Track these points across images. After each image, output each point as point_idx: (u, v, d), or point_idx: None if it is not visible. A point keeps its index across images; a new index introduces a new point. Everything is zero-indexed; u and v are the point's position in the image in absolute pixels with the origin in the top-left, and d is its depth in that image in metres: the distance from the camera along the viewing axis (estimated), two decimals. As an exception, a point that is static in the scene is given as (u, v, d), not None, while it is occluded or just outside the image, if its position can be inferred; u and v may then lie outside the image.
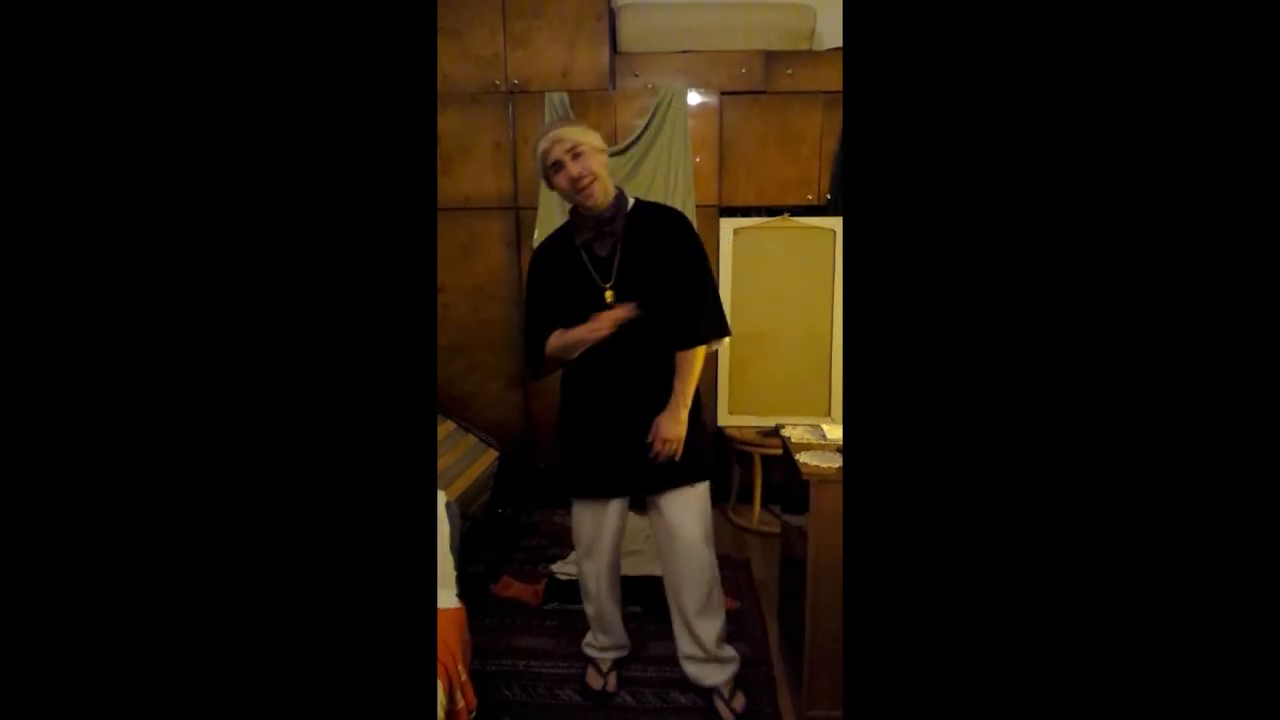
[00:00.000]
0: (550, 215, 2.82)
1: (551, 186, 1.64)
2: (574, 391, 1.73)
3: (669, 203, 2.68)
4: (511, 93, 2.81)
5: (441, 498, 1.74)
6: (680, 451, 1.65)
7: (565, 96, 2.76)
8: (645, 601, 2.29)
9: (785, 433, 1.96)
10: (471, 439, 2.81)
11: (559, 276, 1.69)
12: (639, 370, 1.66)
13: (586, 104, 2.78)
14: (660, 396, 1.66)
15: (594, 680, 1.93)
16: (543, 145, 1.59)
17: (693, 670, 1.81)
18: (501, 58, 2.79)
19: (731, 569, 2.53)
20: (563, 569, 2.51)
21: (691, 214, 2.64)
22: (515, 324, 2.96)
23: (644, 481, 1.70)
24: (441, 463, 2.49)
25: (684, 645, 1.80)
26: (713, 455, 1.83)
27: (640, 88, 2.82)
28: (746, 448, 2.79)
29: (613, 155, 2.77)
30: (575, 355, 1.66)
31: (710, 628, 1.77)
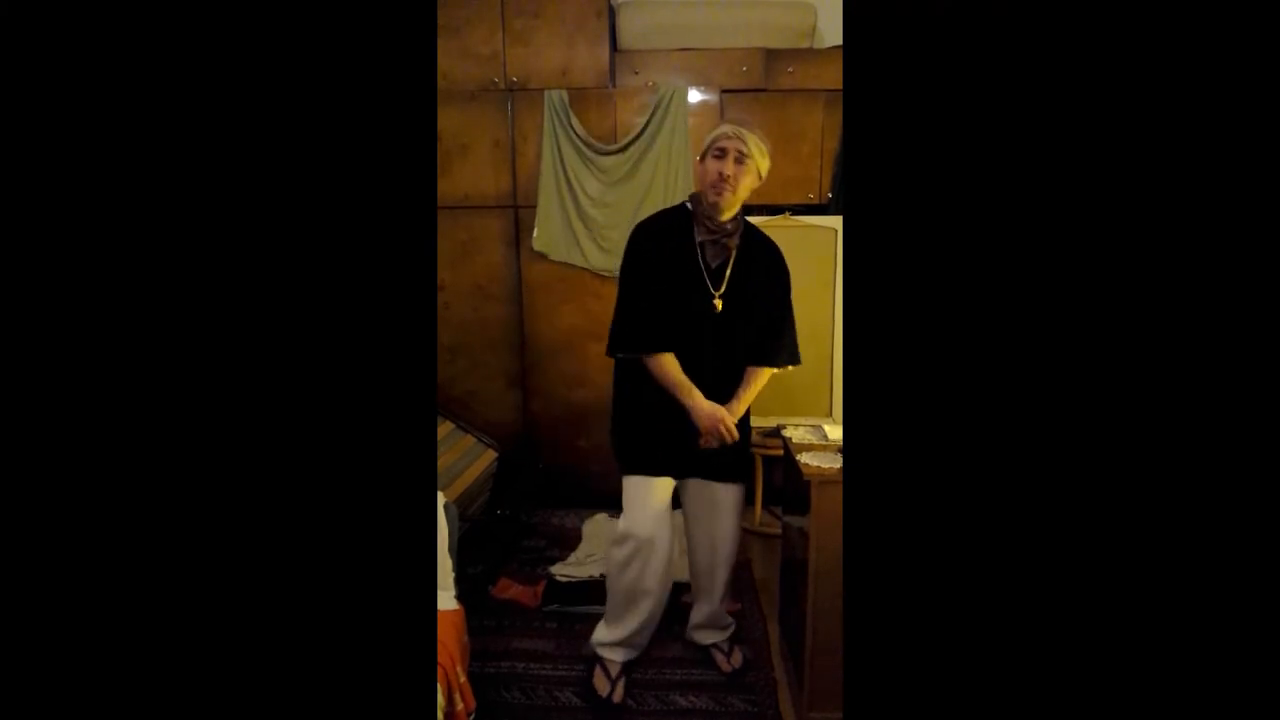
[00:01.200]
0: (550, 214, 2.82)
1: (702, 162, 1.67)
2: (643, 382, 1.77)
3: (668, 201, 2.68)
4: (511, 91, 2.79)
5: (440, 498, 1.72)
6: (728, 440, 1.73)
7: (565, 94, 2.75)
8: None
9: (786, 433, 1.95)
10: (470, 439, 2.80)
11: (670, 262, 1.72)
12: (717, 376, 1.75)
13: (586, 102, 2.77)
14: (719, 400, 1.76)
15: (601, 685, 1.87)
16: (725, 129, 1.63)
17: (698, 635, 2.02)
18: (501, 55, 2.78)
19: (732, 570, 2.52)
20: (562, 570, 2.50)
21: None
22: (515, 323, 2.95)
23: (699, 468, 1.82)
24: (440, 463, 2.48)
25: (697, 615, 1.99)
26: (751, 465, 2.02)
27: (640, 86, 2.81)
28: (747, 448, 2.77)
29: (612, 154, 2.77)
30: (665, 390, 1.73)
31: (723, 600, 1.97)
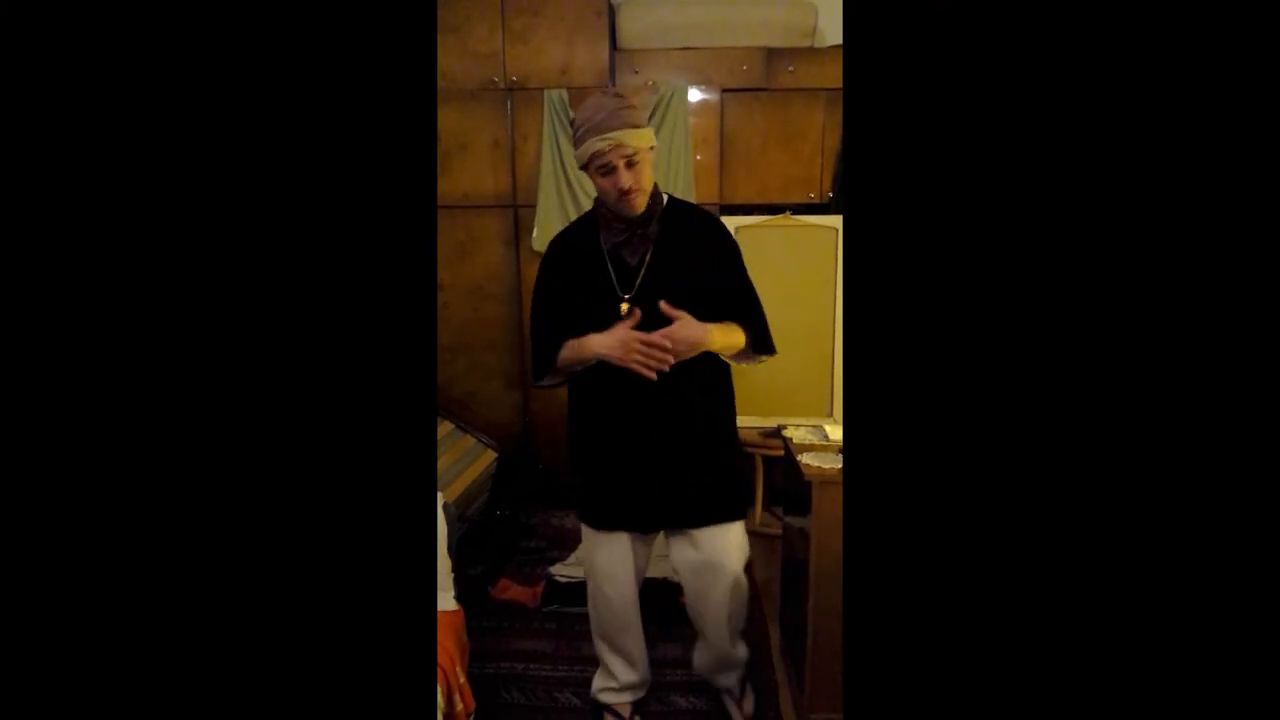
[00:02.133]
0: (549, 213, 2.81)
1: (591, 176, 1.43)
2: (588, 405, 1.53)
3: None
4: (510, 90, 2.79)
5: (439, 499, 1.72)
6: (682, 351, 1.39)
7: (565, 94, 2.74)
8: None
9: (787, 434, 1.95)
10: (470, 440, 2.80)
11: (576, 279, 1.51)
12: (666, 387, 1.41)
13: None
14: (691, 417, 1.48)
15: None
16: (597, 145, 1.36)
17: (707, 674, 1.79)
18: (500, 54, 2.78)
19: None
20: (562, 571, 2.50)
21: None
22: (514, 323, 2.94)
23: (677, 515, 1.52)
24: (439, 464, 2.47)
25: (701, 659, 1.75)
26: (747, 489, 1.68)
27: (640, 85, 2.80)
28: (748, 449, 2.77)
29: (612, 153, 2.76)
30: (578, 368, 1.50)
31: (737, 645, 1.71)
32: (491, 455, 2.79)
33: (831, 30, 2.94)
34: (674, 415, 1.48)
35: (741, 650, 1.74)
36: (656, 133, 2.72)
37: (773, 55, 2.77)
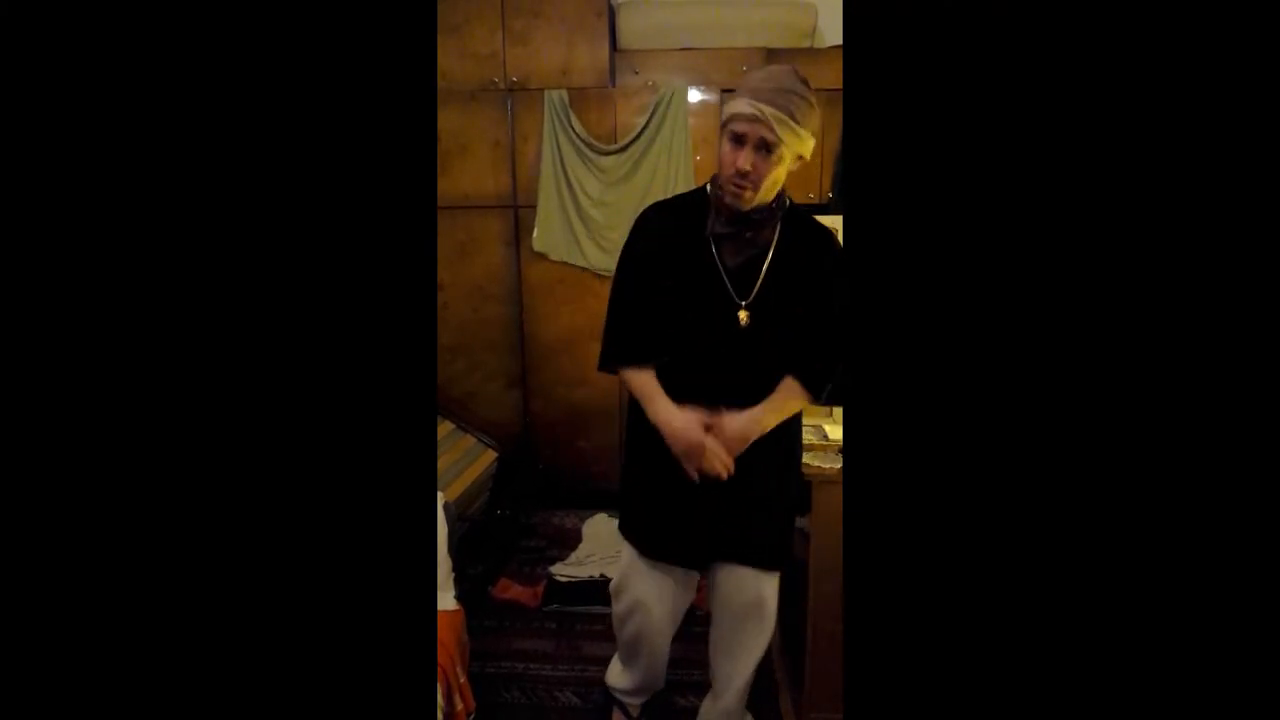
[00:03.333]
0: (550, 214, 2.81)
1: (720, 141, 1.26)
2: (650, 432, 1.36)
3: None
4: (510, 90, 2.79)
5: (439, 498, 1.72)
6: (731, 470, 1.29)
7: (565, 94, 2.74)
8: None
9: (787, 433, 1.94)
10: (470, 439, 2.80)
11: (676, 263, 1.32)
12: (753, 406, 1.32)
13: (586, 102, 2.77)
14: (751, 462, 1.32)
15: None
16: (743, 106, 1.19)
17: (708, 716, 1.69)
18: (500, 55, 2.78)
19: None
20: (562, 571, 2.50)
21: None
22: (514, 323, 2.94)
23: (724, 552, 1.42)
24: (440, 463, 2.47)
25: (708, 713, 1.66)
26: (791, 548, 1.51)
27: (640, 85, 2.80)
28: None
29: (612, 153, 2.76)
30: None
31: (741, 711, 1.64)
32: (491, 455, 2.79)
33: (831, 31, 2.94)
34: (754, 463, 1.33)
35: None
36: (656, 133, 2.73)
37: (773, 55, 2.77)
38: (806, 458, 1.72)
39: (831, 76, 2.76)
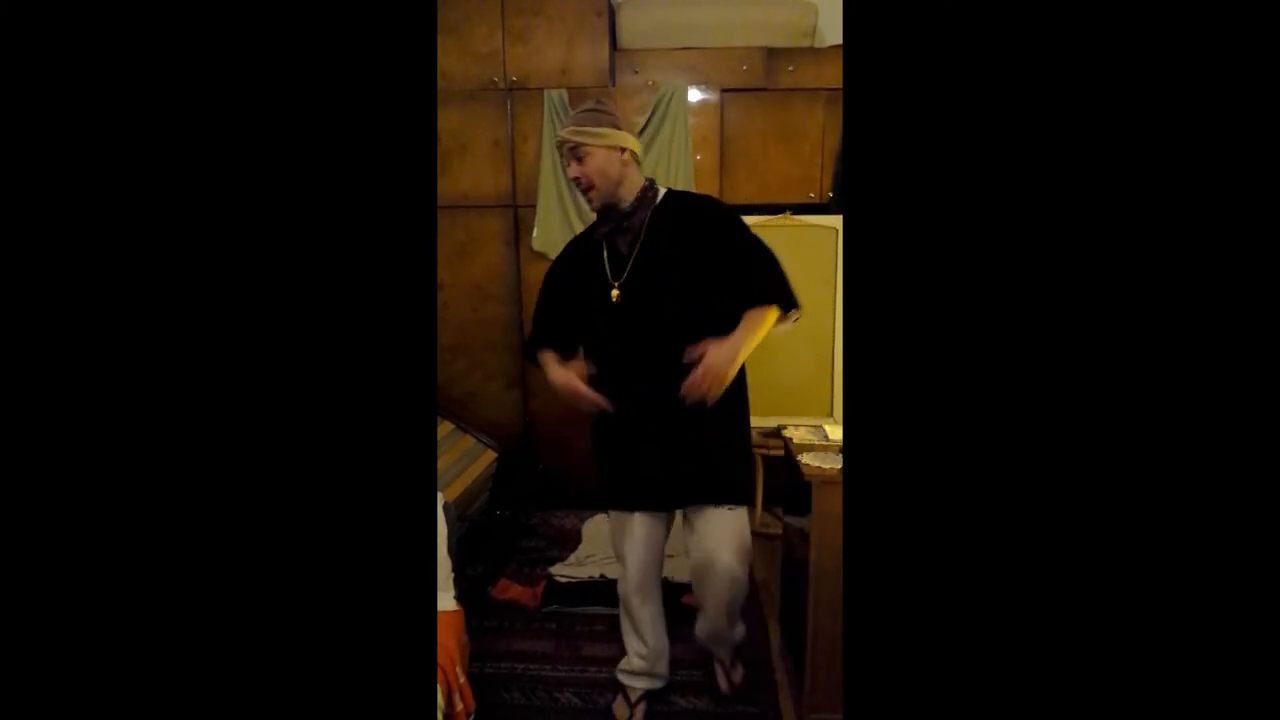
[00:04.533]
0: (550, 213, 2.81)
1: None
2: (606, 396, 1.60)
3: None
4: (510, 90, 2.79)
5: (439, 499, 1.72)
6: (715, 392, 1.46)
7: (565, 94, 2.74)
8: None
9: (787, 434, 1.95)
10: (470, 439, 2.80)
11: (576, 269, 1.66)
12: (631, 373, 1.57)
13: (586, 101, 2.76)
14: (696, 412, 1.50)
15: (620, 712, 1.81)
16: (559, 134, 1.57)
17: (704, 642, 1.86)
18: (500, 54, 2.77)
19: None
20: (562, 571, 2.50)
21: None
22: (514, 323, 2.94)
23: (674, 495, 1.62)
24: (440, 463, 2.47)
25: (701, 628, 1.82)
26: (749, 480, 1.74)
27: (640, 85, 2.80)
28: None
29: (613, 153, 2.76)
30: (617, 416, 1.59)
31: (734, 626, 1.81)
32: (491, 455, 2.79)
33: (831, 30, 2.93)
34: (680, 409, 1.51)
35: (739, 631, 1.84)
36: (656, 133, 2.73)
37: (773, 55, 2.77)
38: (806, 458, 1.72)
39: (832, 75, 2.75)
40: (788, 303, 1.54)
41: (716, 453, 1.59)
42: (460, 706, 1.48)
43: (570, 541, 2.75)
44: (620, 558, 1.73)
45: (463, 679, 1.51)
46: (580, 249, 1.68)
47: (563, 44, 2.76)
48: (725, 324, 1.50)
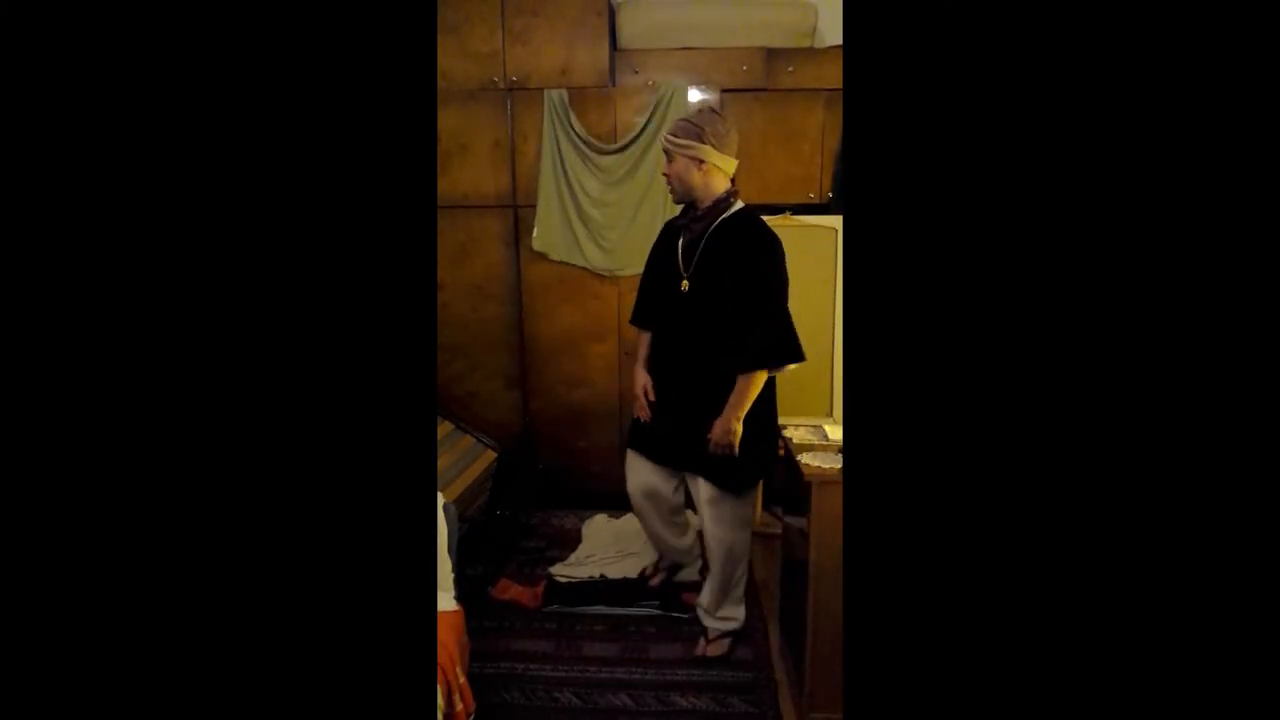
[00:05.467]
0: (550, 213, 2.81)
1: None
2: (651, 358, 2.02)
3: (667, 201, 2.67)
4: (510, 90, 2.79)
5: (440, 499, 1.72)
6: (728, 447, 1.79)
7: (565, 94, 2.74)
8: (652, 601, 2.27)
9: (787, 433, 1.95)
10: (469, 439, 2.80)
11: (663, 252, 1.97)
12: (687, 353, 1.87)
13: (586, 101, 2.77)
14: (716, 390, 1.79)
15: (649, 570, 2.34)
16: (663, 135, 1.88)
17: (700, 612, 2.09)
18: (500, 55, 2.77)
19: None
20: (562, 571, 2.50)
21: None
22: (514, 323, 2.94)
23: (670, 455, 1.99)
24: (440, 463, 2.47)
25: (704, 597, 2.06)
26: (753, 471, 1.92)
27: (640, 85, 2.80)
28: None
29: (612, 153, 2.76)
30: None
31: (727, 600, 2.03)
32: (491, 455, 2.78)
33: (831, 31, 2.93)
34: (695, 383, 1.85)
35: (735, 611, 2.06)
36: (656, 133, 2.73)
37: (773, 55, 2.77)
38: (806, 458, 1.72)
39: (832, 76, 2.75)
40: (779, 361, 1.77)
41: (699, 438, 1.83)
42: (460, 706, 1.48)
43: (570, 541, 2.75)
44: (627, 481, 2.11)
45: (463, 679, 1.51)
46: (667, 233, 1.98)
47: (563, 44, 2.75)
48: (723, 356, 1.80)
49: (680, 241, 1.89)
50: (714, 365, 1.79)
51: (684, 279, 1.85)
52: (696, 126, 1.78)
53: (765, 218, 2.81)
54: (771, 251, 1.78)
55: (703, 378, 1.81)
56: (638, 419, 2.03)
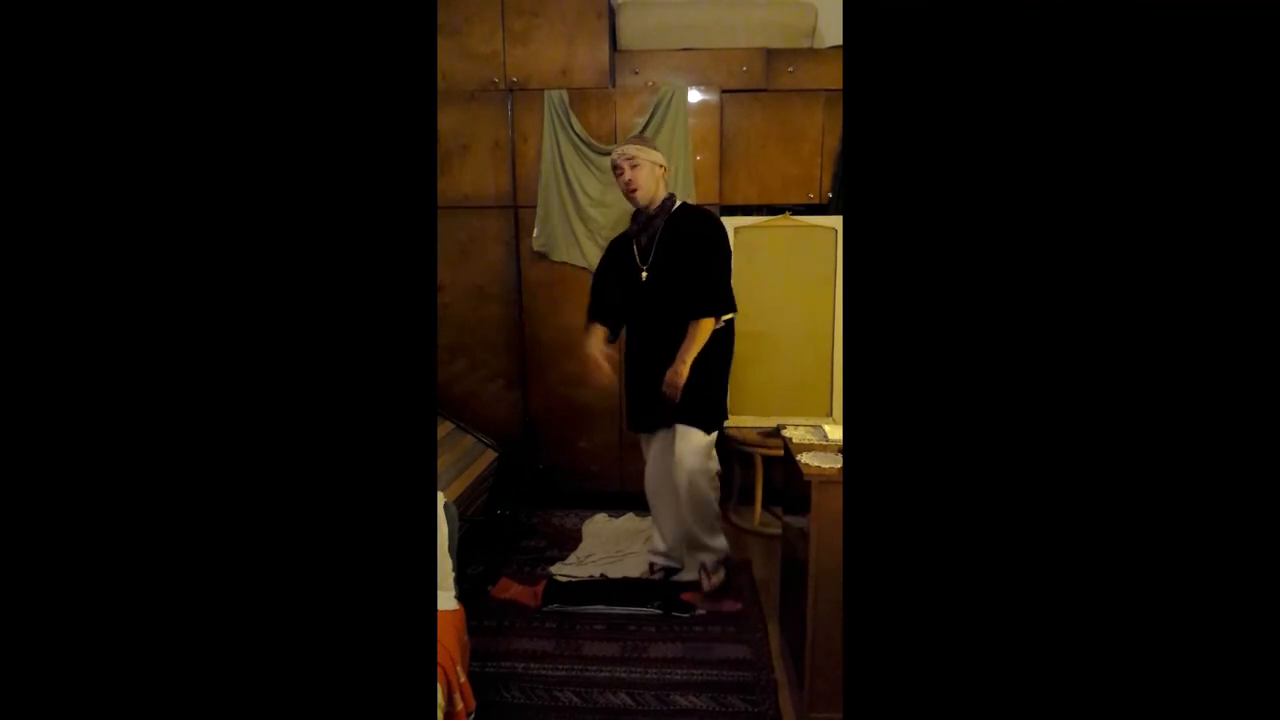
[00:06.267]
0: (549, 214, 2.82)
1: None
2: (628, 352, 2.32)
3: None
4: (511, 90, 2.79)
5: (440, 499, 1.72)
6: (678, 397, 2.11)
7: (565, 94, 2.74)
8: (651, 600, 2.27)
9: (786, 433, 1.95)
10: (470, 439, 2.80)
11: (615, 258, 2.28)
12: (664, 337, 2.15)
13: (586, 102, 2.77)
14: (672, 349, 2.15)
15: (650, 568, 2.46)
16: (613, 156, 2.18)
17: (688, 550, 2.37)
18: (500, 55, 2.78)
19: (733, 570, 2.52)
20: (562, 571, 2.50)
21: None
22: (514, 323, 2.95)
23: (660, 420, 2.24)
24: (440, 463, 2.47)
25: (676, 534, 2.38)
26: (712, 414, 2.28)
27: (640, 85, 2.80)
28: (747, 448, 2.77)
29: (612, 153, 2.76)
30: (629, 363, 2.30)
31: (707, 535, 2.30)
32: (492, 455, 2.79)
33: (831, 31, 2.94)
34: (666, 357, 2.14)
35: (719, 543, 2.33)
36: (656, 133, 2.74)
37: (773, 56, 2.77)
38: (806, 458, 1.72)
39: (832, 76, 2.76)
40: (719, 312, 2.15)
41: (688, 393, 2.13)
42: (460, 706, 1.48)
43: (570, 541, 2.75)
44: (646, 462, 2.38)
45: (463, 678, 1.51)
46: (618, 246, 2.30)
47: (563, 45, 2.76)
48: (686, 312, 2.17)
49: (635, 243, 2.23)
50: (679, 330, 2.13)
51: (643, 270, 2.20)
52: (649, 141, 2.21)
53: (763, 219, 2.84)
54: (716, 228, 2.19)
55: (673, 343, 2.13)
56: (633, 407, 2.31)
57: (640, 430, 2.36)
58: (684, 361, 2.10)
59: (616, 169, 2.16)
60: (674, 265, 2.15)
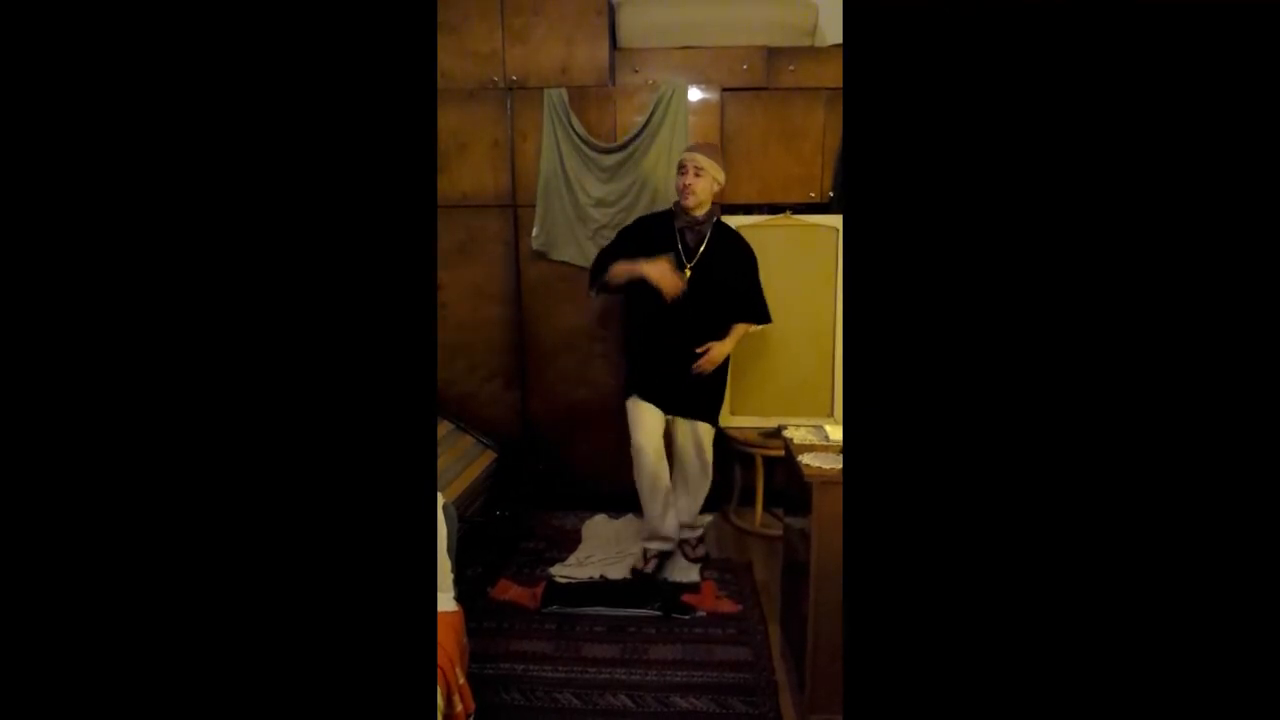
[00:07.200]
0: (549, 213, 2.81)
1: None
2: (642, 324, 2.44)
3: (668, 199, 2.67)
4: (510, 89, 2.78)
5: (440, 499, 1.71)
6: (709, 370, 2.36)
7: (565, 93, 2.74)
8: (650, 601, 2.27)
9: (787, 434, 1.94)
10: (469, 440, 2.80)
11: (650, 240, 2.35)
12: (694, 334, 2.34)
13: (586, 100, 2.76)
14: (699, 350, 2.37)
15: (640, 564, 2.50)
16: (683, 155, 2.33)
17: (685, 521, 2.58)
18: (500, 54, 2.77)
19: (733, 571, 2.51)
20: (562, 571, 2.50)
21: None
22: (514, 323, 2.94)
23: (676, 405, 2.44)
24: (439, 464, 2.47)
25: (679, 517, 2.54)
26: (718, 407, 2.53)
27: (640, 84, 2.80)
28: (748, 449, 2.77)
29: (612, 152, 2.76)
30: (622, 282, 2.35)
31: (695, 513, 2.58)
32: (491, 455, 2.78)
33: (832, 30, 2.93)
34: (690, 350, 2.34)
35: (703, 519, 2.66)
36: (656, 132, 2.73)
37: (773, 54, 2.76)
38: (806, 458, 1.72)
39: (832, 75, 2.75)
40: (764, 320, 2.46)
41: (700, 390, 2.40)
42: (460, 707, 1.48)
43: (570, 542, 2.75)
44: (638, 448, 2.44)
45: (462, 680, 1.51)
46: (654, 226, 2.40)
47: (562, 43, 2.75)
48: (729, 316, 2.41)
49: (683, 239, 2.36)
50: (711, 329, 2.35)
51: (687, 268, 2.35)
52: (718, 152, 2.39)
53: (763, 218, 2.83)
54: (752, 252, 2.45)
55: (703, 339, 2.33)
56: (646, 373, 2.44)
57: (673, 413, 2.50)
58: (725, 348, 2.37)
59: (682, 168, 2.30)
60: (720, 272, 2.35)
